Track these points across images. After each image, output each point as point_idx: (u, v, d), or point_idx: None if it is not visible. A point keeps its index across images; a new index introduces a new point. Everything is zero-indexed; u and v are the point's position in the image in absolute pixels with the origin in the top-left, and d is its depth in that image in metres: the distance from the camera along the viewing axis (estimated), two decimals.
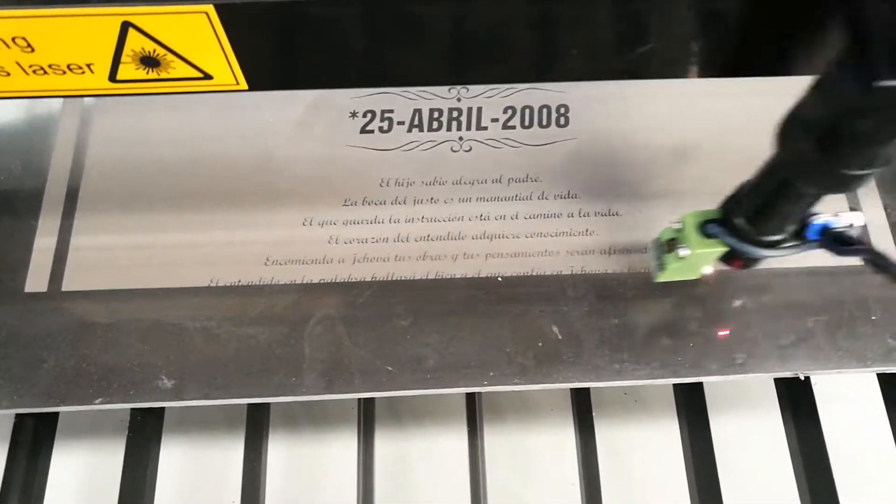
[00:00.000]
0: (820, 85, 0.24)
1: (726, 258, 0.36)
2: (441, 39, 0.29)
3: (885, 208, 0.44)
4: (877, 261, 0.31)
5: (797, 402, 0.42)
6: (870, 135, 0.24)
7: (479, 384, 0.38)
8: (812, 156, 0.26)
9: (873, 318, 0.41)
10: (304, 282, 0.41)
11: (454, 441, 0.47)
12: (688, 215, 0.35)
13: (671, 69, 0.33)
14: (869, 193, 0.44)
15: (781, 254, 0.34)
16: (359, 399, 0.42)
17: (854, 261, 0.42)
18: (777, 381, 0.44)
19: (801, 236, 0.33)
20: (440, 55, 0.30)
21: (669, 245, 0.37)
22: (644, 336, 0.40)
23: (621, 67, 0.32)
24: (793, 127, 0.27)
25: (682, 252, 0.35)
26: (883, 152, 0.25)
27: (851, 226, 0.33)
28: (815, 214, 0.33)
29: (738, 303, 0.41)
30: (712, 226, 0.34)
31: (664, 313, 0.40)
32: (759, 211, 0.32)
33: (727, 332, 0.40)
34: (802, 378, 0.41)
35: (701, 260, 0.36)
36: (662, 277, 0.39)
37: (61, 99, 0.46)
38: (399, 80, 0.32)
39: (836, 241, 0.32)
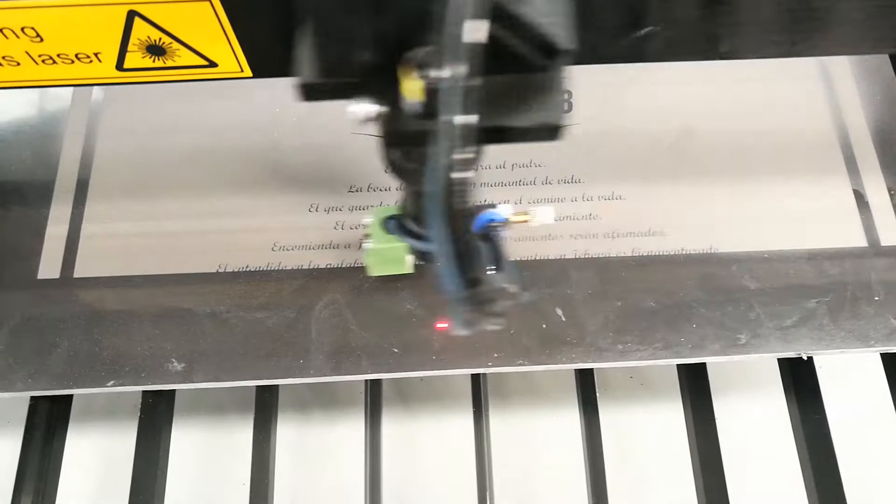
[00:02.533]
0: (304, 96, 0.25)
1: (418, 255, 0.36)
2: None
3: (889, 191, 0.44)
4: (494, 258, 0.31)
5: (800, 382, 0.43)
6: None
7: (483, 365, 0.39)
8: (392, 159, 0.27)
9: (876, 298, 0.41)
10: (311, 267, 0.42)
11: (461, 423, 0.48)
12: (375, 211, 0.35)
13: (673, 52, 0.33)
14: (873, 176, 0.44)
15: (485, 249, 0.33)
16: (366, 382, 0.42)
17: (856, 241, 0.42)
18: (780, 362, 0.44)
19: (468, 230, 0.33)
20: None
21: (362, 240, 0.37)
22: (647, 318, 0.40)
23: (623, 51, 0.32)
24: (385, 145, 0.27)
25: (366, 245, 0.36)
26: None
27: (509, 221, 0.33)
28: (490, 207, 0.33)
29: (740, 284, 0.41)
30: (390, 222, 0.35)
31: (665, 294, 0.41)
32: (414, 210, 0.33)
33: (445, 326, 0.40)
34: (805, 358, 0.41)
35: (393, 254, 0.36)
36: (371, 272, 0.38)
37: (71, 90, 0.47)
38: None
39: (485, 236, 0.32)
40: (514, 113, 0.21)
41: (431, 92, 0.20)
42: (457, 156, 0.19)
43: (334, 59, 0.21)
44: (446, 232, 0.20)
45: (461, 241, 0.20)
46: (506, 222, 0.33)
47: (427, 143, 0.22)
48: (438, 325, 0.40)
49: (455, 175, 0.19)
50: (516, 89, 0.21)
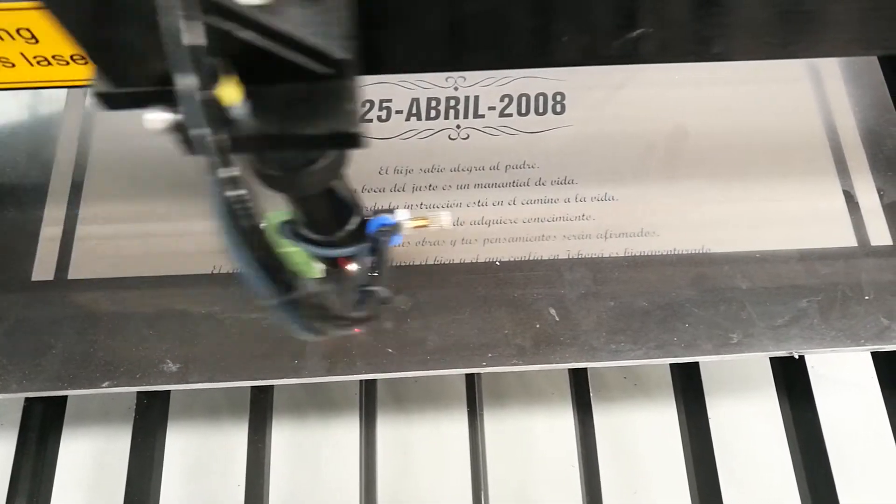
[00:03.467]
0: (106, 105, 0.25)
1: (318, 258, 0.35)
2: (437, 25, 0.30)
3: (879, 192, 0.44)
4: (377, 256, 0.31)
5: (792, 381, 0.43)
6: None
7: (478, 365, 0.39)
8: (260, 170, 0.26)
9: (866, 298, 0.41)
10: None
11: (455, 425, 0.48)
12: (271, 214, 0.33)
13: (664, 54, 0.33)
14: (863, 177, 0.45)
15: (348, 251, 0.33)
16: (360, 383, 0.42)
17: (839, 242, 0.43)
18: (772, 361, 0.44)
19: (362, 233, 0.32)
20: (436, 41, 0.31)
21: None
22: (639, 317, 0.40)
23: (615, 52, 0.32)
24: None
25: None
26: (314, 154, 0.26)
27: (393, 225, 0.33)
28: (384, 212, 0.33)
29: (732, 284, 0.42)
30: (285, 227, 0.33)
31: (657, 294, 0.41)
32: (302, 217, 0.32)
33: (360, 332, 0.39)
34: (797, 357, 0.41)
35: (296, 258, 0.34)
36: None
37: (65, 92, 0.47)
38: (398, 67, 0.32)
39: (388, 233, 0.32)
40: (305, 121, 0.21)
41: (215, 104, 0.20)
42: (222, 174, 0.18)
43: (129, 69, 0.21)
44: (243, 250, 0.20)
45: (262, 253, 0.20)
46: (395, 226, 0.33)
47: (247, 149, 0.22)
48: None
49: (229, 194, 0.19)
50: (308, 98, 0.21)
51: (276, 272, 0.21)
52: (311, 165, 0.25)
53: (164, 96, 0.20)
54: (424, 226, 0.34)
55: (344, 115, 0.21)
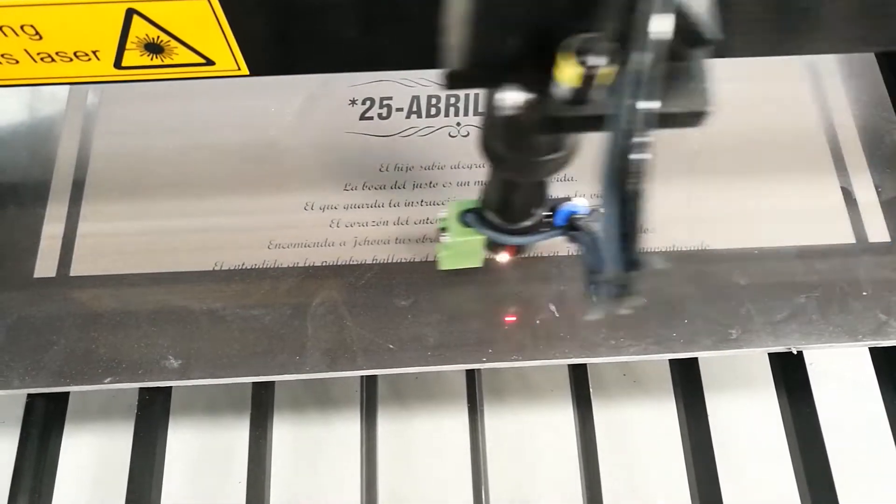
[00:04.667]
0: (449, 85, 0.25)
1: (491, 247, 0.37)
2: (438, 22, 0.30)
3: (876, 189, 0.45)
4: (589, 250, 0.32)
5: (791, 377, 0.43)
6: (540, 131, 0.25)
7: (478, 361, 0.39)
8: (497, 149, 0.27)
9: (864, 294, 0.41)
10: (307, 264, 0.42)
11: (456, 421, 0.48)
12: (451, 204, 0.36)
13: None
14: (861, 174, 0.45)
15: (529, 240, 0.34)
16: (361, 380, 0.43)
17: (838, 238, 0.43)
18: (771, 357, 0.44)
19: (550, 222, 0.34)
20: (437, 38, 0.31)
21: (439, 233, 0.37)
22: (639, 313, 0.41)
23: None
24: (487, 135, 0.28)
25: (444, 239, 0.36)
26: (560, 140, 0.26)
27: (593, 213, 0.33)
28: (567, 200, 0.34)
29: (730, 281, 0.42)
30: (469, 216, 0.35)
31: (657, 291, 0.41)
32: (498, 203, 0.33)
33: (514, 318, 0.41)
34: (795, 352, 0.42)
35: (468, 247, 0.36)
36: (443, 265, 0.39)
37: (67, 89, 0.47)
38: (398, 64, 0.33)
39: (572, 227, 0.33)
40: (668, 99, 0.22)
41: (588, 79, 0.21)
42: (637, 139, 0.20)
43: (484, 47, 0.22)
44: (619, 211, 0.20)
45: (631, 223, 0.21)
46: (590, 214, 0.33)
47: (573, 129, 0.23)
48: (507, 318, 0.40)
49: (633, 157, 0.20)
50: (667, 76, 0.22)
51: (632, 246, 0.21)
52: (556, 153, 0.26)
53: (512, 74, 0.22)
54: None
55: (698, 95, 0.22)
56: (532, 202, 0.33)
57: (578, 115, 0.22)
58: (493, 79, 0.23)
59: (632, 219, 0.21)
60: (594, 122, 0.22)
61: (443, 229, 0.36)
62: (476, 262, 0.39)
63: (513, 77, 0.22)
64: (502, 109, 0.23)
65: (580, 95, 0.21)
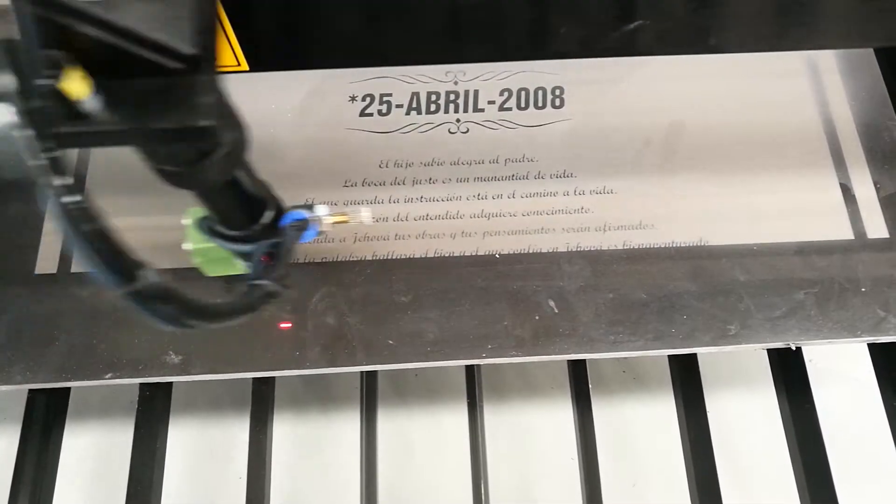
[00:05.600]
0: None
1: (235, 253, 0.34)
2: (436, 17, 0.30)
3: (875, 185, 0.45)
4: (277, 250, 0.31)
5: (790, 373, 0.43)
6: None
7: (477, 356, 0.39)
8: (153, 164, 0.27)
9: (863, 290, 0.41)
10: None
11: (455, 416, 0.48)
12: (190, 211, 0.33)
13: (661, 46, 0.33)
14: (860, 171, 0.45)
15: (255, 248, 0.32)
16: (361, 375, 0.43)
17: (836, 234, 0.43)
18: (770, 354, 0.45)
19: (275, 227, 0.32)
20: (435, 34, 0.31)
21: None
22: (638, 309, 0.41)
23: (612, 44, 0.33)
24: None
25: (185, 246, 0.34)
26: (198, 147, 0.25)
27: (306, 220, 0.32)
28: (299, 207, 0.33)
29: (730, 277, 0.42)
30: (203, 223, 0.33)
31: (656, 287, 0.41)
32: (212, 212, 0.32)
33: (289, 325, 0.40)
34: (794, 348, 0.42)
35: (217, 254, 0.34)
36: (206, 272, 0.37)
37: None
38: (397, 60, 0.33)
39: (298, 228, 0.32)
40: (159, 115, 0.21)
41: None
42: (56, 183, 0.19)
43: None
44: (86, 247, 0.21)
45: (104, 248, 0.21)
46: (306, 221, 0.32)
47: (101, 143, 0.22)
48: (282, 325, 0.40)
49: (64, 200, 0.20)
50: (164, 92, 0.21)
51: (120, 264, 0.21)
52: (205, 159, 0.25)
53: None
54: (344, 222, 0.34)
55: (197, 109, 0.21)
56: (238, 208, 0.31)
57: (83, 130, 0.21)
58: None
59: (105, 243, 0.21)
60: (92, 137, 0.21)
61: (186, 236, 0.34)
62: (237, 268, 0.35)
63: None
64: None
65: (70, 109, 0.20)
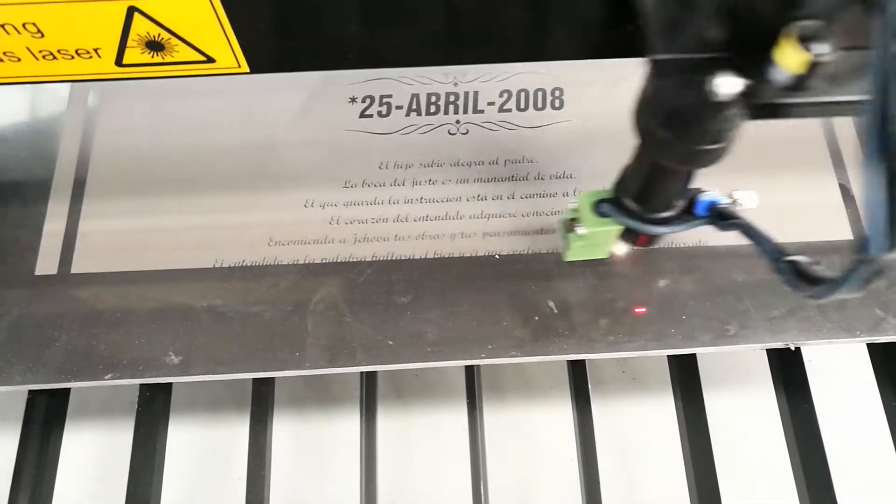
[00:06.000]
0: (656, 73, 0.25)
1: (627, 236, 0.37)
2: (434, 19, 0.30)
3: None
4: (751, 234, 0.32)
5: (789, 374, 0.43)
6: (708, 116, 0.25)
7: (477, 357, 0.39)
8: (663, 136, 0.27)
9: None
10: (307, 261, 0.42)
11: (455, 416, 0.48)
12: (582, 195, 0.36)
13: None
14: (858, 171, 0.45)
15: (672, 230, 0.34)
16: (361, 376, 0.43)
17: (835, 235, 0.43)
18: (769, 354, 0.45)
19: (690, 212, 0.34)
20: (435, 35, 0.31)
21: (568, 225, 0.37)
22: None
23: (611, 46, 0.33)
24: (642, 112, 0.29)
25: (580, 230, 0.36)
26: (725, 128, 0.27)
27: (734, 202, 0.34)
28: (703, 191, 0.34)
29: (730, 277, 0.42)
30: (604, 205, 0.35)
31: (656, 288, 0.41)
32: (641, 191, 0.33)
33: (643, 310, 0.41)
34: (793, 349, 0.42)
35: (601, 238, 0.36)
36: (569, 256, 0.39)
37: (68, 88, 0.48)
38: (396, 62, 0.33)
39: (720, 216, 0.33)
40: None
41: (813, 66, 0.21)
42: None
43: (705, 33, 0.22)
44: (887, 187, 0.19)
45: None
46: (732, 203, 0.34)
47: (788, 116, 0.23)
48: (636, 310, 0.41)
49: None
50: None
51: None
52: (720, 143, 0.26)
53: (728, 61, 0.22)
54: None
55: None
56: (678, 191, 0.33)
57: (798, 102, 0.22)
58: (705, 66, 0.22)
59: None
60: (813, 109, 0.22)
61: (572, 220, 0.36)
62: (603, 252, 0.39)
63: (727, 64, 0.22)
64: (717, 95, 0.23)
65: (800, 83, 0.21)
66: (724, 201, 0.34)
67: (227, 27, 0.30)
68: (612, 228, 0.35)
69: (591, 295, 0.41)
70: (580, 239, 0.36)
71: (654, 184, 0.32)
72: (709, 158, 0.28)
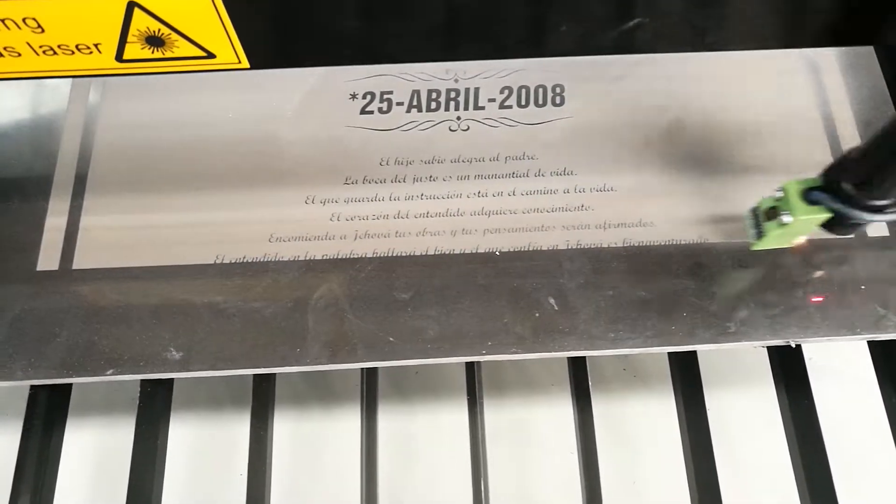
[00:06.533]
0: None
1: (828, 225, 0.38)
2: (435, 15, 0.30)
3: None
4: None
5: (789, 371, 0.43)
6: None
7: (478, 353, 0.39)
8: None
9: (862, 287, 0.41)
10: (308, 258, 0.42)
11: (455, 413, 0.48)
12: (789, 183, 0.37)
13: (659, 44, 0.33)
14: None
15: (887, 218, 0.35)
16: (362, 372, 0.43)
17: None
18: (770, 351, 0.45)
19: None
20: (434, 31, 0.31)
21: (769, 213, 0.38)
22: (638, 307, 0.41)
23: (611, 42, 0.33)
24: None
25: (786, 219, 0.37)
26: None
27: None
28: None
29: (734, 274, 0.42)
30: (816, 193, 0.35)
31: (658, 285, 0.41)
32: (870, 176, 0.34)
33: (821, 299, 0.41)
34: (794, 346, 0.42)
35: (801, 227, 0.38)
36: (760, 245, 0.40)
37: (69, 84, 0.48)
38: (396, 57, 0.33)
39: None
40: None
41: None
42: None
43: None
44: None
45: None
46: None
47: None
48: (814, 299, 0.41)
49: None
50: None
51: None
52: None
53: None
54: None
55: None
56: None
57: None
58: None
59: None
60: None
61: (772, 209, 0.37)
62: (791, 242, 0.40)
63: None
64: None
65: None
66: None
67: (227, 22, 0.30)
68: (820, 216, 0.36)
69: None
70: (782, 227, 0.37)
71: (890, 170, 0.32)
72: None
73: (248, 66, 0.32)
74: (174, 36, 0.30)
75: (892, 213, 0.35)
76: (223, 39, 0.30)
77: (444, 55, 0.32)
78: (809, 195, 0.36)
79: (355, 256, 0.42)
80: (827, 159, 0.45)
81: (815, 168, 0.45)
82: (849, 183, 0.34)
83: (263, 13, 0.30)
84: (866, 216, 0.35)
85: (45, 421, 0.42)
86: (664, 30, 0.32)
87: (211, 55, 0.31)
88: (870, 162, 0.34)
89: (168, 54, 0.31)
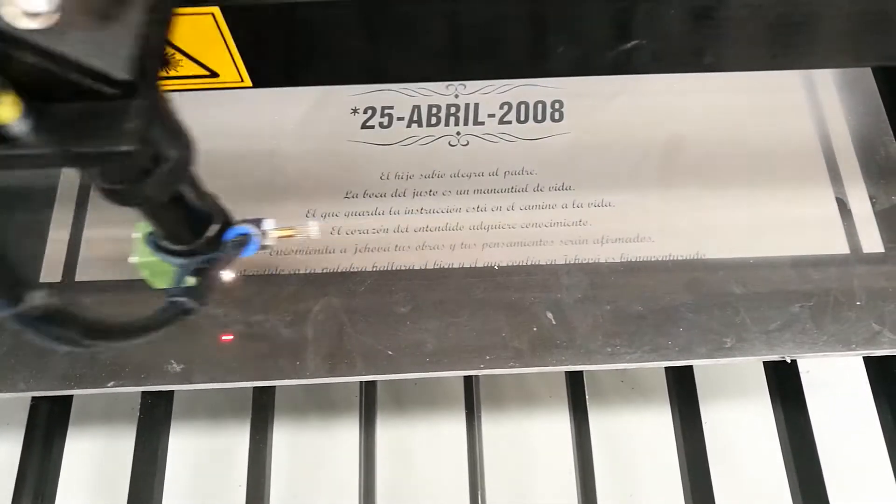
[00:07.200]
0: None
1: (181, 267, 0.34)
2: (436, 37, 0.30)
3: (871, 199, 0.45)
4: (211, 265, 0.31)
5: (785, 386, 0.44)
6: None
7: (476, 367, 0.40)
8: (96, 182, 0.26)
9: (858, 303, 0.42)
10: (308, 271, 0.43)
11: (453, 426, 0.48)
12: (139, 225, 0.33)
13: (657, 65, 0.34)
14: (856, 185, 0.46)
15: (194, 262, 0.32)
16: (361, 385, 0.43)
17: (832, 248, 0.44)
18: (766, 366, 0.45)
19: (218, 242, 0.32)
20: (435, 52, 0.32)
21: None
22: (635, 321, 0.41)
23: (610, 63, 0.33)
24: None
25: (131, 259, 0.33)
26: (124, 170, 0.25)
27: (248, 235, 0.32)
28: (247, 221, 0.33)
29: (726, 290, 0.42)
30: (150, 238, 0.32)
31: (653, 299, 0.42)
32: (157, 227, 0.31)
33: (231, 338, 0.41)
34: (789, 361, 0.42)
35: (162, 267, 0.33)
36: (153, 284, 0.35)
37: None
38: (397, 77, 0.33)
39: (238, 244, 0.32)
40: (84, 139, 0.21)
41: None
42: None
43: None
44: None
45: None
46: (247, 236, 0.32)
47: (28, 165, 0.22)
48: (224, 337, 0.40)
49: None
50: (96, 116, 0.21)
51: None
52: (146, 177, 0.25)
53: None
54: (290, 236, 0.34)
55: (120, 133, 0.21)
56: (182, 223, 0.31)
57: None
58: None
59: None
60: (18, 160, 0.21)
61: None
62: (182, 283, 0.34)
63: None
64: None
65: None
66: (244, 231, 0.32)
67: (230, 43, 0.30)
68: (155, 260, 0.32)
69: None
70: (142, 268, 0.34)
71: (153, 219, 0.30)
72: (124, 198, 0.26)
73: (251, 84, 0.32)
74: (179, 56, 0.31)
75: (205, 255, 0.31)
76: (226, 59, 0.31)
77: (446, 76, 0.33)
78: (147, 240, 0.32)
79: (355, 270, 0.43)
80: (822, 174, 0.46)
81: (811, 182, 0.45)
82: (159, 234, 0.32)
83: (266, 36, 0.30)
84: (178, 261, 0.32)
85: (47, 431, 0.42)
86: (662, 51, 0.33)
87: (214, 74, 0.32)
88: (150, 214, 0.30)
89: (172, 73, 0.32)
